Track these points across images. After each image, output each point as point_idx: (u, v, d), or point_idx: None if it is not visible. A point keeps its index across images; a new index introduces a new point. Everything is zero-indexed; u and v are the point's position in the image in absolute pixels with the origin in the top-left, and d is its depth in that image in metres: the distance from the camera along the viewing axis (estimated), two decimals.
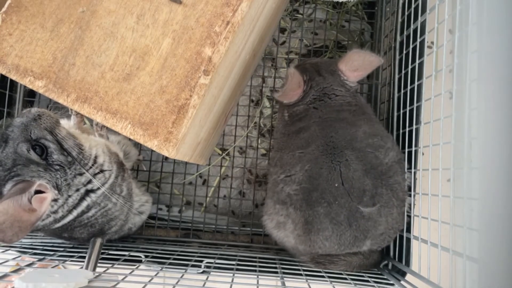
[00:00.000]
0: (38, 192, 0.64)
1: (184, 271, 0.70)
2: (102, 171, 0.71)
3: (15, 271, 0.67)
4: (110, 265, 0.70)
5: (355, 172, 0.72)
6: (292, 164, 0.76)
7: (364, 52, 0.81)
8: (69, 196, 0.67)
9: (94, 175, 0.69)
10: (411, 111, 0.78)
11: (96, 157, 0.71)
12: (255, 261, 0.79)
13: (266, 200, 0.83)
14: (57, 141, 0.65)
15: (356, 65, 0.81)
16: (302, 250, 0.77)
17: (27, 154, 0.63)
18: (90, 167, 0.69)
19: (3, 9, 0.59)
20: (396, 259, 0.78)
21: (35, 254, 0.76)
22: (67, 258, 0.74)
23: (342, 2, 1.06)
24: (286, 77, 0.84)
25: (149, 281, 0.60)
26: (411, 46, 0.79)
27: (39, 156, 0.63)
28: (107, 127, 0.77)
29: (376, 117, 0.85)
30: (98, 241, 0.74)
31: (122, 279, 0.61)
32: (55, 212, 0.67)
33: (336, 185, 0.72)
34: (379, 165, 0.73)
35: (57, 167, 0.65)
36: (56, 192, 0.65)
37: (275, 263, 0.80)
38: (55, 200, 0.66)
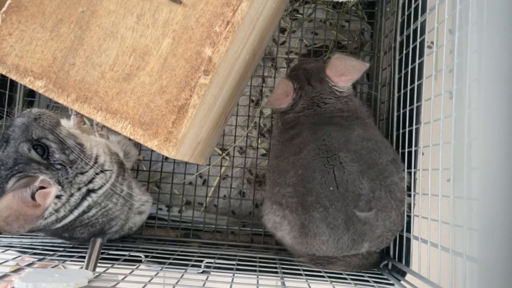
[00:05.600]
0: (41, 188, 0.64)
1: (184, 271, 0.70)
2: (103, 171, 0.71)
3: (15, 271, 0.67)
4: (110, 265, 0.70)
5: (349, 175, 0.71)
6: (287, 170, 0.76)
7: (345, 58, 0.81)
8: (72, 194, 0.67)
9: (95, 174, 0.69)
10: (411, 111, 0.78)
11: (97, 157, 0.71)
12: (255, 261, 0.79)
13: (265, 200, 0.83)
14: (58, 141, 0.65)
15: (340, 71, 0.81)
16: (299, 250, 0.77)
17: (28, 153, 0.63)
18: (91, 167, 0.69)
19: (3, 9, 0.59)
20: (396, 259, 0.78)
21: (35, 254, 0.76)
22: (67, 258, 0.74)
23: (342, 2, 1.06)
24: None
25: (149, 281, 0.60)
26: (411, 46, 0.78)
27: (40, 155, 0.63)
28: (107, 127, 0.77)
29: (372, 121, 0.84)
30: (98, 241, 0.74)
31: (122, 279, 0.61)
32: (57, 211, 0.67)
33: (331, 188, 0.71)
34: (374, 165, 0.73)
35: (59, 166, 0.65)
36: (60, 187, 0.65)
37: (275, 263, 0.80)
38: (58, 197, 0.66)
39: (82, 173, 0.68)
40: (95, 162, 0.70)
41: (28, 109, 0.66)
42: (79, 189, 0.68)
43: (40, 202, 0.63)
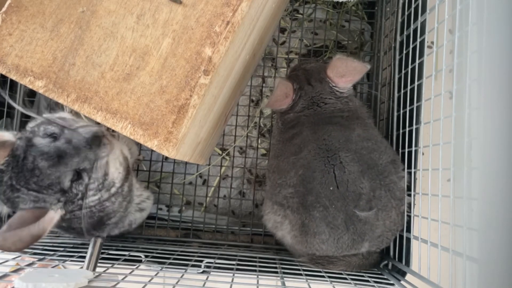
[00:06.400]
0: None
1: (184, 271, 0.70)
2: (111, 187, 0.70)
3: (15, 271, 0.67)
4: (110, 265, 0.70)
5: (350, 174, 0.71)
6: (287, 170, 0.76)
7: (347, 59, 0.81)
8: (73, 209, 0.66)
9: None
10: (411, 111, 0.78)
11: (113, 183, 0.69)
12: (255, 261, 0.79)
13: (265, 200, 0.83)
14: (92, 172, 0.62)
15: (341, 72, 0.81)
16: (299, 250, 0.77)
17: (65, 184, 0.60)
18: (103, 192, 0.67)
19: (3, 9, 0.59)
20: (396, 259, 0.78)
21: (35, 254, 0.76)
22: (67, 258, 0.74)
23: (342, 2, 1.06)
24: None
25: (149, 281, 0.60)
26: (411, 46, 0.78)
27: (70, 182, 0.61)
28: None
29: (372, 122, 0.84)
30: (98, 241, 0.74)
31: (122, 279, 0.61)
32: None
33: (331, 188, 0.71)
34: (374, 166, 0.73)
35: (75, 195, 0.63)
36: (64, 212, 0.64)
37: (275, 263, 0.80)
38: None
39: (90, 196, 0.66)
40: (108, 189, 0.68)
41: (97, 128, 0.61)
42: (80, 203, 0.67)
43: (41, 227, 0.61)
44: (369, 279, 0.71)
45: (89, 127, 0.62)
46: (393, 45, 0.90)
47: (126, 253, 0.79)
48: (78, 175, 0.61)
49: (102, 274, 0.62)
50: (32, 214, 0.60)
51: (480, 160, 0.36)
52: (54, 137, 0.61)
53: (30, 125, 0.66)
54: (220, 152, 1.06)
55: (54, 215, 0.63)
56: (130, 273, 0.66)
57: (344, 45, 1.09)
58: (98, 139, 0.62)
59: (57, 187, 0.60)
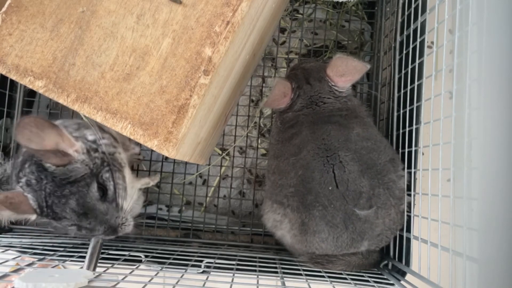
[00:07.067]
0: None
1: (184, 271, 0.70)
2: None
3: (15, 271, 0.67)
4: (110, 265, 0.70)
5: (350, 174, 0.71)
6: (288, 171, 0.76)
7: (347, 58, 0.81)
8: None
9: None
10: (411, 111, 0.78)
11: None
12: (255, 261, 0.79)
13: (264, 199, 0.83)
14: None
15: (341, 71, 0.81)
16: (298, 249, 0.77)
17: (63, 224, 0.61)
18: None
19: (3, 9, 0.59)
20: (396, 259, 0.78)
21: (35, 254, 0.76)
22: (67, 258, 0.74)
23: (342, 2, 1.06)
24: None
25: (149, 281, 0.60)
26: (411, 46, 0.78)
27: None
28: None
29: (371, 120, 0.84)
30: (98, 241, 0.74)
31: (122, 279, 0.61)
32: None
33: (330, 188, 0.71)
34: (374, 165, 0.73)
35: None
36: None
37: (275, 263, 0.80)
38: None
39: None
40: None
41: (130, 228, 0.64)
42: None
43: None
44: (369, 279, 0.71)
45: (128, 220, 0.64)
46: (393, 45, 0.90)
47: (126, 253, 0.79)
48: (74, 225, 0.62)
49: (102, 274, 0.62)
50: (25, 205, 0.60)
51: (480, 160, 0.36)
52: (103, 195, 0.62)
53: (109, 150, 0.66)
54: (220, 152, 1.06)
55: (32, 218, 0.63)
56: (130, 273, 0.66)
57: (344, 45, 1.09)
58: (115, 234, 0.63)
59: (56, 218, 0.61)
